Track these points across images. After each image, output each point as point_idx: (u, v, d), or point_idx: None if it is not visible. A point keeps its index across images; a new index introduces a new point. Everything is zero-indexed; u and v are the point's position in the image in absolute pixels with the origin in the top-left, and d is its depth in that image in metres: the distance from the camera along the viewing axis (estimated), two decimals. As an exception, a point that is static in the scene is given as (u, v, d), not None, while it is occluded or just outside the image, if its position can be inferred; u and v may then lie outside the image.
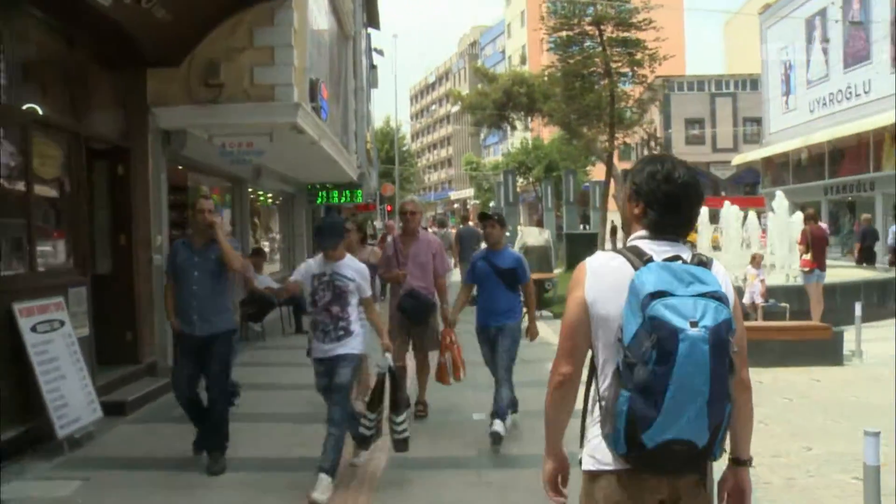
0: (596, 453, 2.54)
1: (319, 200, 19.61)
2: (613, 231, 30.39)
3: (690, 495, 2.50)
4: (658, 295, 2.32)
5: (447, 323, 7.62)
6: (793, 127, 38.02)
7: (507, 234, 8.02)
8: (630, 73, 24.86)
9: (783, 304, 13.59)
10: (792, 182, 37.18)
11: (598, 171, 41.88)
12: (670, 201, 2.59)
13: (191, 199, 11.98)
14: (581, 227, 38.48)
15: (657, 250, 2.54)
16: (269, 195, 18.33)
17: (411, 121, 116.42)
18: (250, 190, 16.19)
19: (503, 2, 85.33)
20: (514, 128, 45.88)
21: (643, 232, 2.62)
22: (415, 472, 6.25)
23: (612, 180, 26.48)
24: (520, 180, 46.80)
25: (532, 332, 7.50)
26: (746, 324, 3.25)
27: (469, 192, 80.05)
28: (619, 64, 24.56)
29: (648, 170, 2.63)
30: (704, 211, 18.62)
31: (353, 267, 6.05)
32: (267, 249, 18.66)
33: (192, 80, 9.68)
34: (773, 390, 9.02)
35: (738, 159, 45.22)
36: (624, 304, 2.41)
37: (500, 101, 39.38)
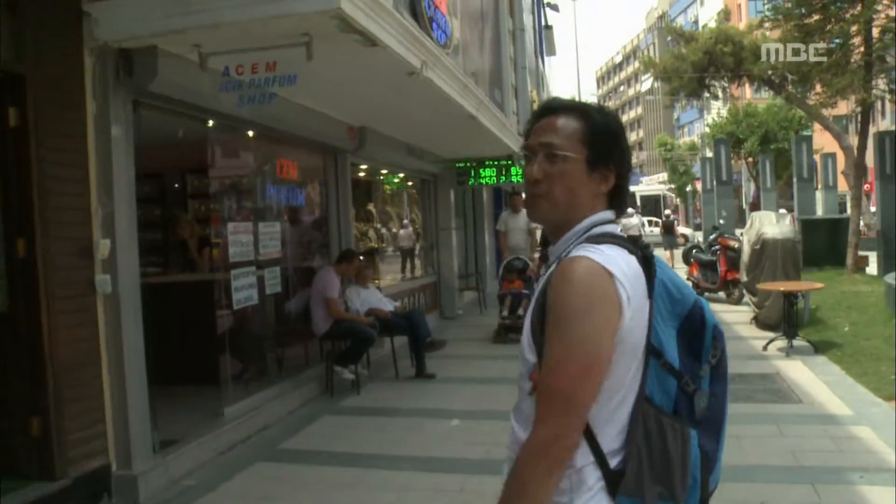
0: None
1: (472, 181, 14.79)
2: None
3: None
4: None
5: None
6: None
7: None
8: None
9: None
10: None
11: (821, 142, 34.70)
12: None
13: (216, 185, 7.56)
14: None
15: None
16: (401, 176, 13.75)
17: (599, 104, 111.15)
18: (365, 168, 11.67)
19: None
20: (715, 97, 39.31)
21: (608, 214, 1.92)
22: None
23: (858, 149, 19.92)
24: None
25: None
26: None
27: (662, 176, 73.51)
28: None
29: (619, 125, 1.95)
30: None
31: None
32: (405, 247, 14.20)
33: (156, -50, 5.17)
34: None
35: None
36: (647, 316, 1.78)
37: (701, 64, 33.11)
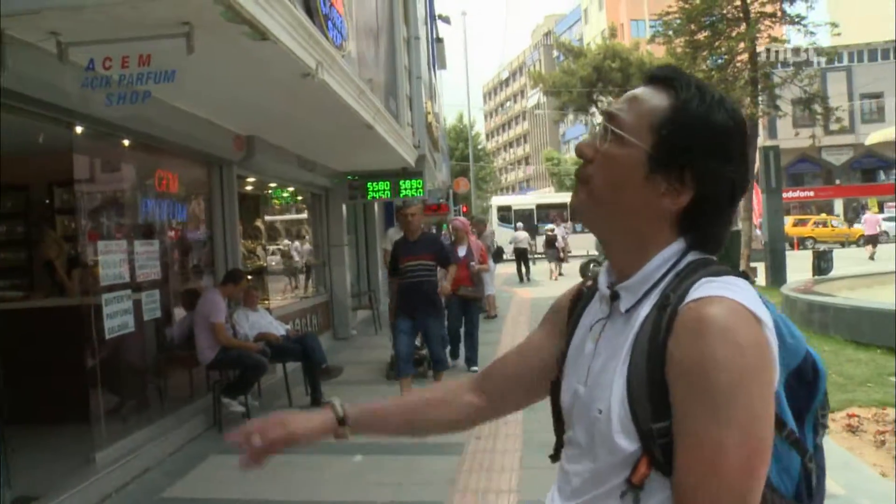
0: None
1: (371, 195, 14.08)
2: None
3: None
4: None
5: None
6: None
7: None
8: (778, 15, 18.65)
9: None
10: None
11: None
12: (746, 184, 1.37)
13: (85, 198, 6.75)
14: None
15: None
16: (289, 189, 13.02)
17: (485, 120, 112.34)
18: (253, 181, 10.92)
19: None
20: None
21: (683, 245, 1.34)
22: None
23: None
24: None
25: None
26: None
27: (549, 190, 74.72)
28: (761, 1, 18.39)
29: (726, 123, 1.30)
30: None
31: None
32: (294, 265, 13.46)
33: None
34: None
35: (874, 138, 38.02)
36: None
37: (589, 79, 33.56)
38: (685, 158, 1.29)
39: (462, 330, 10.41)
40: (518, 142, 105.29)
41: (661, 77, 1.36)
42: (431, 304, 8.28)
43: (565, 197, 40.11)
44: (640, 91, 1.36)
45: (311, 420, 1.68)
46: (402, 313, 8.22)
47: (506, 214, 40.80)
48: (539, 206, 41.84)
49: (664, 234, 1.34)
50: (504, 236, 30.06)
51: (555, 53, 61.25)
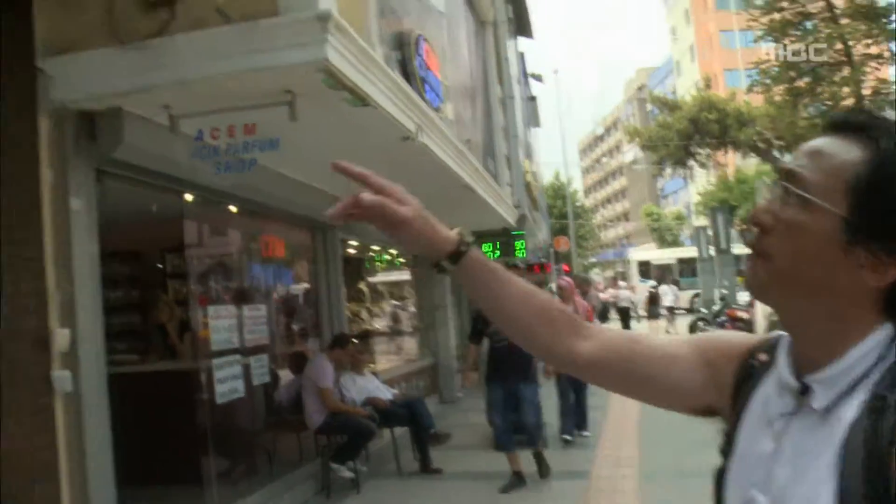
0: None
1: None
2: None
3: None
4: None
5: None
6: None
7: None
8: (884, 56, 18.07)
9: None
10: None
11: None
12: None
13: (195, 264, 6.95)
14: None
15: None
16: (392, 251, 13.16)
17: (582, 176, 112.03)
18: (356, 245, 11.08)
19: (668, 40, 79.64)
20: (702, 165, 39.32)
21: (891, 329, 1.06)
22: None
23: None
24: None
25: None
26: None
27: (650, 246, 73.55)
28: (864, 43, 17.84)
29: None
30: None
31: None
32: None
33: (119, 2, 4.65)
34: None
35: None
36: None
37: (686, 132, 33.11)
38: (892, 223, 1.04)
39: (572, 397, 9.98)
40: (616, 197, 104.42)
41: (850, 124, 1.10)
42: (523, 368, 7.73)
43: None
44: (824, 142, 1.11)
45: (434, 230, 1.35)
46: (493, 382, 7.85)
47: (645, 269, 40.20)
48: (681, 261, 40.60)
49: (866, 315, 1.08)
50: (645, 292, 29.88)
51: (649, 107, 60.89)
